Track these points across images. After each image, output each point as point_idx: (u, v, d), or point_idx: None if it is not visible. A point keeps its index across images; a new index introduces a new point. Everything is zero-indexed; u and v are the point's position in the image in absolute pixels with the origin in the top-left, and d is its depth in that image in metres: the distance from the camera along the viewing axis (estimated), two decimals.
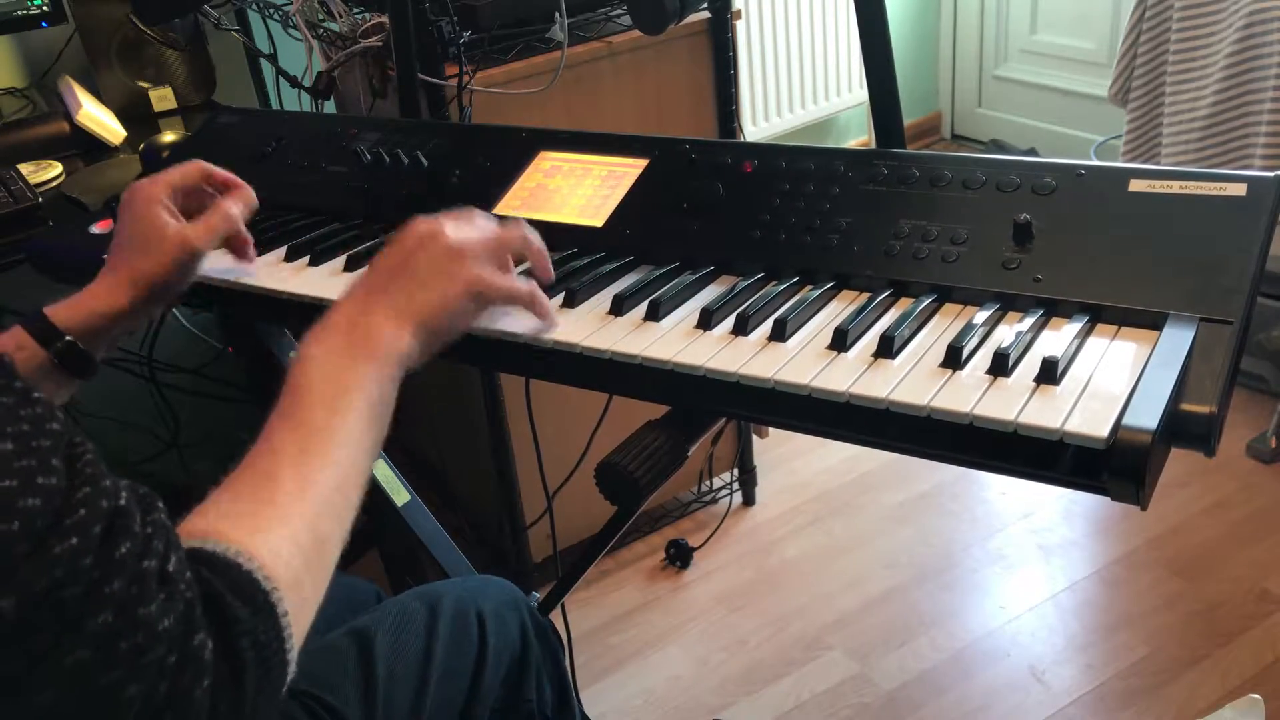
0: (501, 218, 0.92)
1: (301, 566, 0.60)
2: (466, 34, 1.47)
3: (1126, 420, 0.62)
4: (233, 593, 0.54)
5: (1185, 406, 0.64)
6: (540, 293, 0.83)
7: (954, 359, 0.71)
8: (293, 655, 0.57)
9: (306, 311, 0.95)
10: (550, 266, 0.87)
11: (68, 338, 0.87)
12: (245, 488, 0.62)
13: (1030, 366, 0.69)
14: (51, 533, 0.47)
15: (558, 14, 1.49)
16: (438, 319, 0.77)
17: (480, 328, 0.84)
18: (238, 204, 0.96)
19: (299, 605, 0.58)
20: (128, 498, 0.52)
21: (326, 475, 0.65)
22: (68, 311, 0.88)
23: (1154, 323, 0.72)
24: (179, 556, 0.52)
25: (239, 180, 0.99)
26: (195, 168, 0.96)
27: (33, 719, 0.46)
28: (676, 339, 0.80)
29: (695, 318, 0.82)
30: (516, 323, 0.84)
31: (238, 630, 0.53)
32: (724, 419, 1.04)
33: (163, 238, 0.91)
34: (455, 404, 1.88)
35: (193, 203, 0.96)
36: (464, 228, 0.81)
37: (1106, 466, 0.62)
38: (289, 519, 0.61)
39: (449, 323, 0.78)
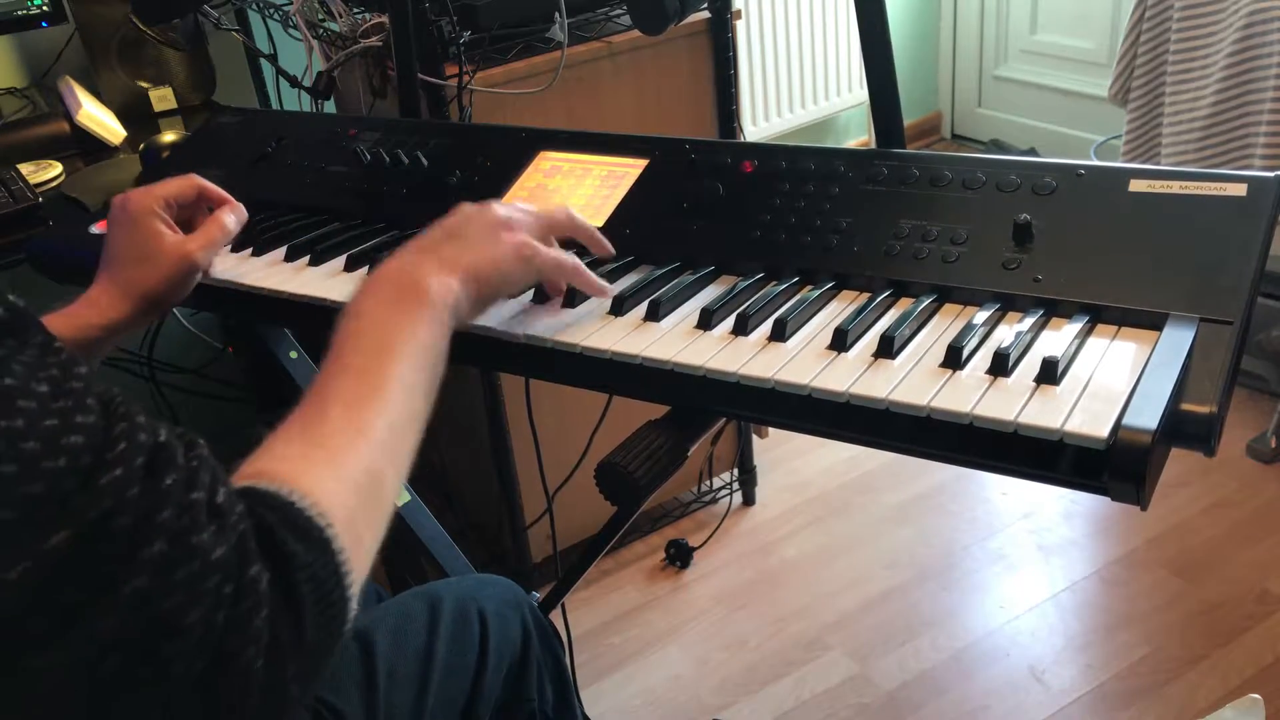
0: None
1: (356, 504, 0.59)
2: (466, 34, 1.47)
3: (1126, 420, 0.62)
4: (286, 528, 0.54)
5: (1185, 406, 0.64)
6: (584, 266, 0.84)
7: (954, 359, 0.71)
8: (353, 593, 0.56)
9: (306, 311, 0.96)
10: (606, 243, 0.88)
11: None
12: (296, 431, 0.62)
13: (1030, 366, 0.69)
14: (96, 467, 0.47)
15: (558, 14, 1.49)
16: (487, 273, 0.77)
17: (479, 326, 0.84)
18: (233, 216, 0.96)
19: (355, 542, 0.58)
20: (168, 434, 0.51)
21: (378, 416, 0.64)
22: (64, 323, 0.88)
23: (1154, 323, 0.72)
24: (228, 490, 0.52)
25: (229, 197, 0.99)
26: (189, 182, 0.96)
27: (100, 649, 0.46)
28: (676, 339, 0.80)
29: (695, 318, 0.82)
30: (519, 322, 0.85)
31: (294, 564, 0.52)
32: (724, 419, 1.04)
33: (161, 250, 0.91)
34: (455, 404, 1.88)
35: (184, 215, 0.96)
36: (513, 208, 0.82)
37: (1106, 466, 0.62)
38: (341, 458, 0.61)
39: (498, 279, 0.78)
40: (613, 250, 0.89)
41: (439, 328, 0.73)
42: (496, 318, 0.85)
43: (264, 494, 0.55)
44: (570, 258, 0.83)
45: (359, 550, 0.58)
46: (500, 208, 0.81)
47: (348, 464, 0.61)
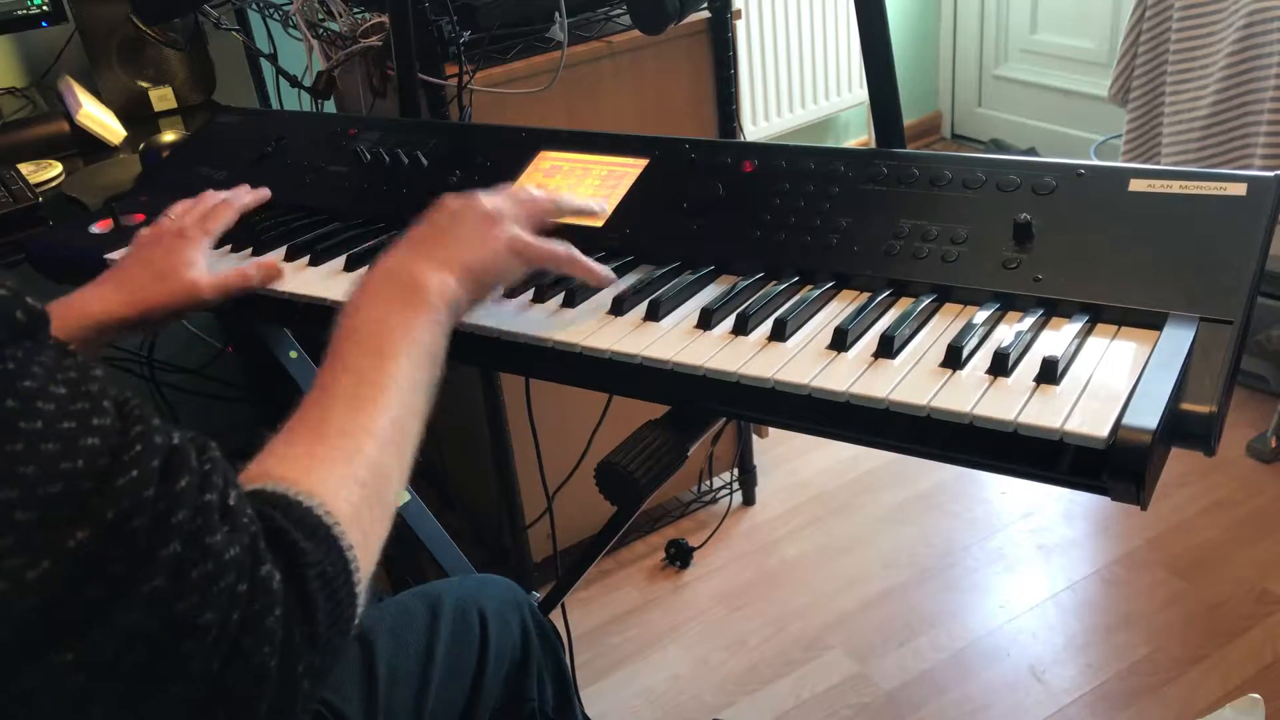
0: None
1: (361, 501, 0.60)
2: (466, 34, 1.47)
3: (1127, 420, 0.62)
4: (296, 528, 0.54)
5: (1185, 406, 0.64)
6: (578, 252, 0.84)
7: (954, 359, 0.71)
8: (361, 589, 0.57)
9: (306, 311, 0.96)
10: (595, 206, 0.90)
11: None
12: (300, 432, 0.63)
13: (1030, 366, 0.69)
14: (113, 468, 0.47)
15: (558, 14, 1.49)
16: (482, 268, 0.78)
17: (479, 326, 0.84)
18: (259, 274, 0.97)
19: (362, 540, 0.58)
20: (181, 438, 0.52)
21: (381, 414, 0.65)
22: (58, 323, 0.88)
23: (1154, 323, 0.72)
24: (238, 492, 0.53)
25: (264, 194, 1.04)
26: (234, 211, 1.01)
27: (118, 648, 0.46)
28: (676, 339, 0.80)
29: (695, 318, 0.82)
30: (520, 323, 0.85)
31: (304, 562, 0.53)
32: (724, 419, 1.04)
33: (177, 277, 0.93)
34: (455, 404, 1.88)
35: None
36: (497, 197, 0.83)
37: (1106, 466, 0.62)
38: (346, 456, 0.61)
39: (493, 274, 0.79)
40: (604, 212, 0.89)
41: (438, 327, 0.73)
42: (497, 318, 0.85)
43: (271, 495, 0.56)
44: (564, 246, 0.83)
45: (366, 546, 0.59)
46: (486, 199, 0.82)
47: (352, 462, 0.61)
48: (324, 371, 0.67)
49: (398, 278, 0.75)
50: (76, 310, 0.89)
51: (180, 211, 1.01)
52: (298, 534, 0.54)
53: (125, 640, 0.47)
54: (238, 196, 1.04)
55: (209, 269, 0.96)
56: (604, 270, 0.86)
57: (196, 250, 0.96)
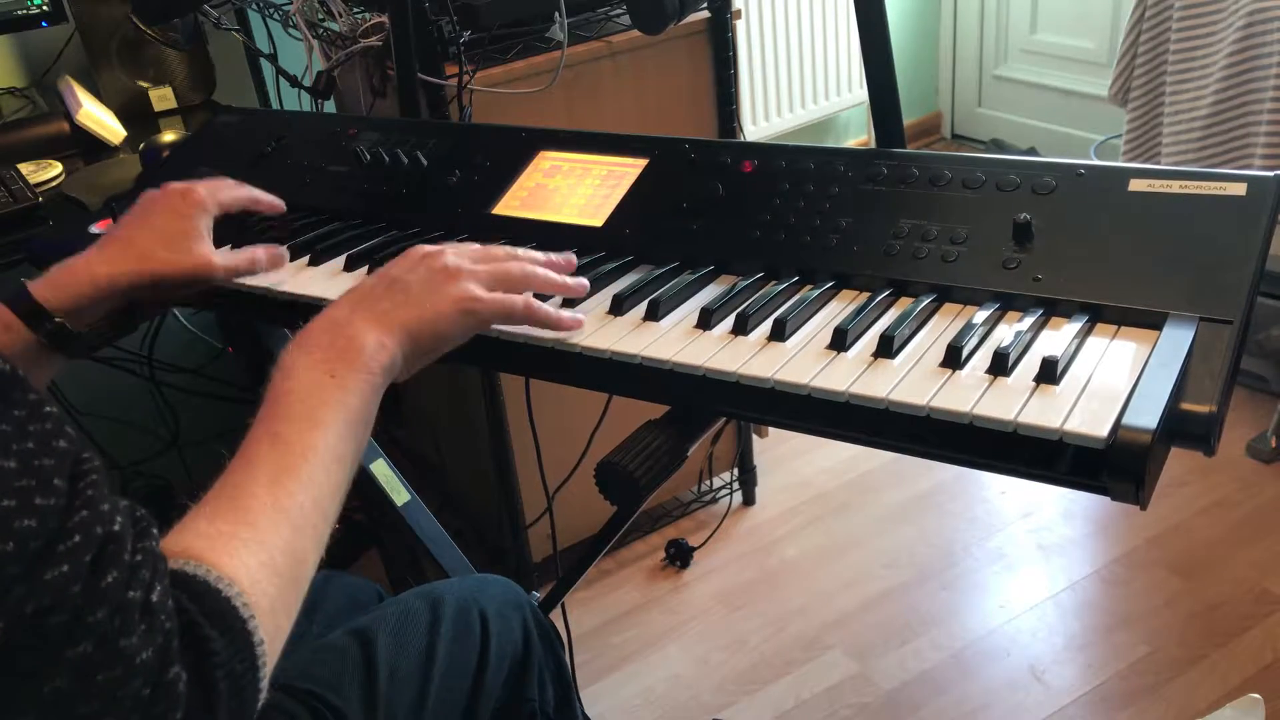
0: (503, 218, 0.92)
1: (277, 593, 0.60)
2: (466, 34, 1.47)
3: (1126, 420, 0.62)
4: (211, 622, 0.54)
5: (1185, 406, 0.64)
6: (535, 301, 0.81)
7: (954, 359, 0.71)
8: (265, 682, 0.57)
9: (306, 311, 0.96)
10: (565, 282, 0.84)
11: (57, 319, 0.85)
12: (224, 507, 0.62)
13: (1030, 366, 0.69)
14: (43, 557, 0.47)
15: (558, 14, 1.49)
16: (424, 331, 0.76)
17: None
18: (266, 256, 0.96)
19: (274, 631, 0.59)
20: (122, 523, 0.52)
21: (303, 493, 0.64)
22: (54, 290, 0.86)
23: (1154, 322, 0.71)
24: (164, 586, 0.53)
25: (279, 204, 1.02)
26: (245, 197, 0.99)
27: None
28: (676, 339, 0.80)
29: (695, 317, 0.82)
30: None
31: (214, 662, 0.53)
32: (724, 419, 1.04)
33: (191, 250, 0.91)
34: (455, 404, 1.88)
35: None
36: (463, 252, 0.81)
37: (1106, 466, 0.62)
38: (267, 542, 0.61)
39: (437, 337, 0.77)
40: (583, 287, 0.85)
41: (371, 392, 0.72)
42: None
43: (192, 580, 0.56)
44: (520, 298, 0.80)
45: (276, 637, 0.59)
46: (451, 254, 0.79)
47: (271, 546, 0.61)
48: (251, 436, 0.67)
49: (335, 337, 0.73)
50: (78, 274, 0.87)
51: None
52: (213, 630, 0.54)
53: None
54: (251, 189, 1.02)
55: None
56: (563, 315, 0.82)
57: (202, 219, 0.92)
